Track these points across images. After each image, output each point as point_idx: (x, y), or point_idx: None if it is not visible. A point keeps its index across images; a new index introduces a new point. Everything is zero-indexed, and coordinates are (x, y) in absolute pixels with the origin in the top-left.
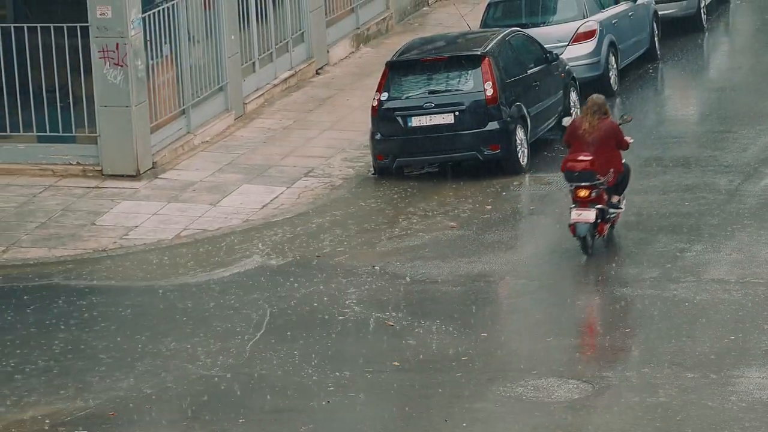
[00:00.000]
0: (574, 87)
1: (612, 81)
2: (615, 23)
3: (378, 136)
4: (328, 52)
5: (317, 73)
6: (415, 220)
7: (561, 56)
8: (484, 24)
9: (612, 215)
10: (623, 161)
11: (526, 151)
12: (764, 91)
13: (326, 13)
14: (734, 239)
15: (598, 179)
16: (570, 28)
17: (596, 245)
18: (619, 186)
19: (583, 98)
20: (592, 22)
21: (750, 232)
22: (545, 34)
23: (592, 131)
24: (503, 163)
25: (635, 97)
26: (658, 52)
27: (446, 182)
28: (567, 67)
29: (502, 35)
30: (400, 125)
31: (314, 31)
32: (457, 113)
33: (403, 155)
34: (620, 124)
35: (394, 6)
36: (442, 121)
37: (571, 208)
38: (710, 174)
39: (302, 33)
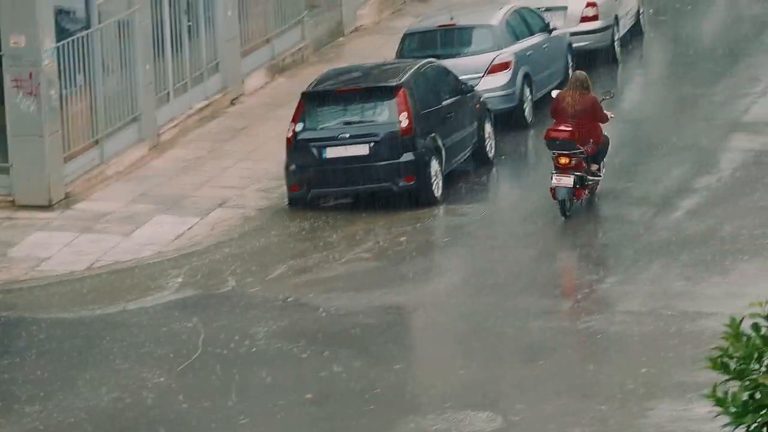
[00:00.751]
0: (488, 118)
1: (527, 112)
2: (530, 55)
3: (293, 167)
4: (243, 82)
5: (232, 104)
6: (329, 252)
7: (476, 88)
8: (400, 55)
9: (590, 182)
10: (603, 133)
11: (440, 182)
12: (677, 123)
13: (241, 43)
14: (647, 271)
15: (578, 148)
16: (485, 59)
17: (574, 210)
18: (598, 155)
19: (497, 130)
20: (506, 54)
21: (663, 264)
22: (460, 65)
23: (574, 104)
24: (418, 195)
25: None
26: None
27: (361, 213)
28: (482, 98)
29: (417, 66)
30: (315, 156)
31: (229, 61)
32: (372, 144)
33: (318, 186)
34: (602, 100)
35: (309, 36)
36: (357, 152)
37: (552, 173)
38: (624, 206)
39: (217, 63)
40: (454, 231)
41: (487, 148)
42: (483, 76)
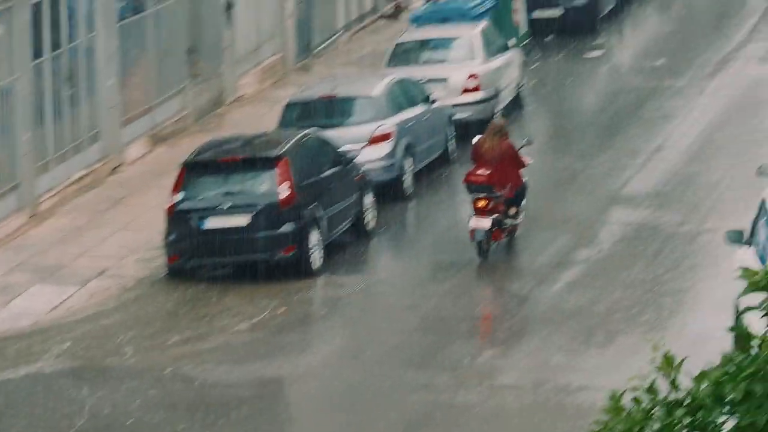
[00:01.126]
0: (369, 190)
1: (407, 184)
2: (411, 126)
3: (172, 237)
4: (123, 151)
5: (113, 173)
6: (208, 323)
7: (356, 159)
8: (281, 125)
9: (508, 225)
10: (524, 178)
11: (320, 253)
12: (558, 196)
13: (122, 112)
14: (527, 344)
15: (495, 192)
16: (366, 130)
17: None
18: (516, 199)
19: (376, 202)
20: (388, 125)
21: (543, 336)
22: (341, 136)
23: (492, 150)
24: (298, 266)
25: (430, 200)
26: (454, 156)
27: (241, 284)
28: (362, 169)
29: (298, 137)
30: (195, 226)
31: (110, 129)
32: (252, 215)
33: (198, 256)
34: (520, 147)
35: (190, 106)
36: (237, 223)
37: (470, 216)
38: (504, 278)
39: (98, 132)
40: (333, 302)
41: (367, 220)
42: (364, 147)
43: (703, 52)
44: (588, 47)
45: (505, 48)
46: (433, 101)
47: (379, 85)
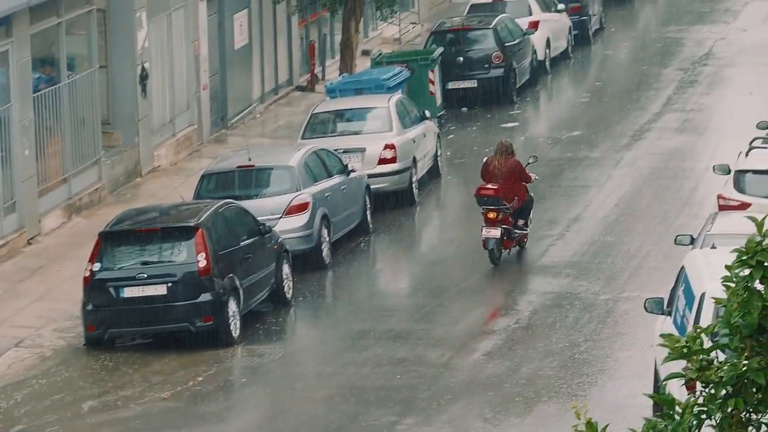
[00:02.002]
0: (286, 259)
1: (324, 254)
2: (328, 196)
3: (90, 307)
4: (40, 221)
5: (29, 243)
6: (126, 392)
7: (274, 229)
8: (198, 195)
9: (516, 235)
10: (528, 192)
11: (238, 322)
12: (474, 265)
13: (38, 183)
14: (445, 413)
15: (504, 204)
16: (283, 200)
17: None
18: (523, 211)
19: (294, 272)
20: (304, 195)
21: (461, 405)
22: (258, 206)
23: (500, 167)
24: (216, 335)
25: (347, 270)
26: (371, 226)
27: (159, 353)
28: (280, 239)
29: (215, 207)
30: (112, 296)
31: (26, 200)
32: (169, 284)
33: (115, 326)
34: (527, 164)
35: (106, 177)
36: (155, 292)
37: (482, 226)
38: (422, 347)
39: (14, 202)
40: (252, 371)
41: (285, 289)
42: (281, 217)
43: (618, 123)
44: (504, 118)
45: (421, 119)
46: (350, 172)
47: (296, 155)
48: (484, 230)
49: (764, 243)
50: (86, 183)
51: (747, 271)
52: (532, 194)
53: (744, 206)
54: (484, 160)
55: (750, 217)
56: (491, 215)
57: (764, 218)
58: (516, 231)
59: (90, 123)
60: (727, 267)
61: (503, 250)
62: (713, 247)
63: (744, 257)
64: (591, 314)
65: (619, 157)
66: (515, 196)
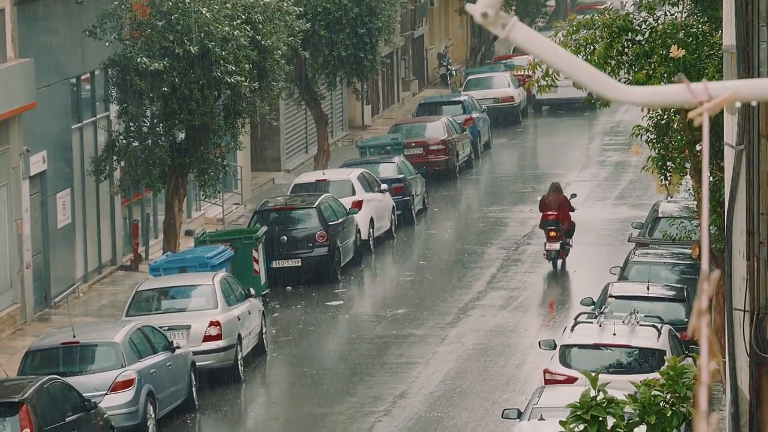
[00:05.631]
0: None
1: (150, 430)
2: (153, 373)
3: None
4: None
5: None
6: None
7: (99, 405)
8: (22, 372)
9: (568, 248)
10: (571, 219)
11: None
12: None
13: None
14: None
15: (560, 227)
16: (108, 376)
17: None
18: (569, 232)
19: None
20: (130, 372)
21: None
22: (84, 382)
23: (554, 200)
24: None
25: None
26: (197, 403)
27: None
28: (106, 415)
29: (40, 382)
30: None
31: None
32: None
33: None
34: (571, 197)
35: None
36: None
37: (545, 242)
38: None
39: None
40: None
41: None
42: (106, 393)
43: (443, 301)
44: (329, 296)
45: (246, 296)
46: (176, 348)
47: (121, 332)
48: (547, 245)
49: (598, 398)
50: None
51: (581, 427)
52: (573, 221)
53: (570, 380)
54: (540, 198)
55: (583, 372)
56: (552, 233)
57: (598, 371)
58: (566, 246)
59: None
60: (561, 422)
61: (560, 259)
62: (541, 419)
63: (578, 411)
64: None
65: (444, 334)
66: (565, 221)
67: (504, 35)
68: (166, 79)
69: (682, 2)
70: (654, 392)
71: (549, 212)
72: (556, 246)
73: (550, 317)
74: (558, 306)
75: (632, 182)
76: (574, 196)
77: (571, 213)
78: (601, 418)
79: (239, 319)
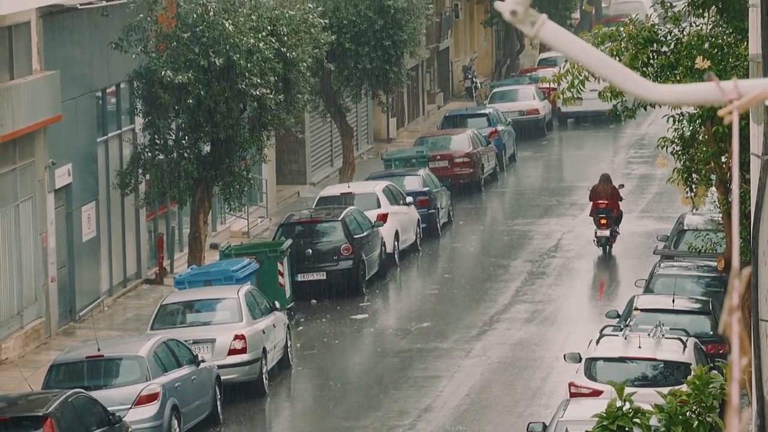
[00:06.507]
0: None
1: None
2: (178, 387)
3: None
4: None
5: None
6: None
7: (124, 419)
8: (46, 386)
9: (616, 234)
10: (620, 208)
11: None
12: None
13: None
14: None
15: (610, 214)
16: (133, 390)
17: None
18: (617, 220)
19: None
20: (154, 386)
21: None
22: (108, 396)
23: (604, 190)
24: None
25: None
26: (221, 417)
27: None
28: (130, 429)
29: (64, 396)
30: None
31: None
32: None
33: None
34: (619, 187)
35: None
36: None
37: (596, 230)
38: None
39: None
40: None
41: None
42: (131, 407)
43: (468, 314)
44: (353, 310)
45: (271, 310)
46: (201, 362)
47: (145, 345)
48: (598, 231)
49: (625, 408)
50: None
51: None
52: (621, 209)
53: (596, 393)
54: (591, 187)
55: (609, 382)
56: (603, 221)
57: (624, 383)
58: (615, 234)
59: None
60: None
61: (609, 245)
62: None
63: (604, 422)
64: None
65: (469, 347)
66: (614, 209)
67: (533, 33)
68: (192, 91)
69: (707, 14)
70: (680, 402)
71: (600, 201)
72: (606, 233)
73: (599, 297)
74: (606, 288)
75: (657, 195)
76: (621, 186)
77: (619, 202)
78: (627, 429)
79: (264, 333)
